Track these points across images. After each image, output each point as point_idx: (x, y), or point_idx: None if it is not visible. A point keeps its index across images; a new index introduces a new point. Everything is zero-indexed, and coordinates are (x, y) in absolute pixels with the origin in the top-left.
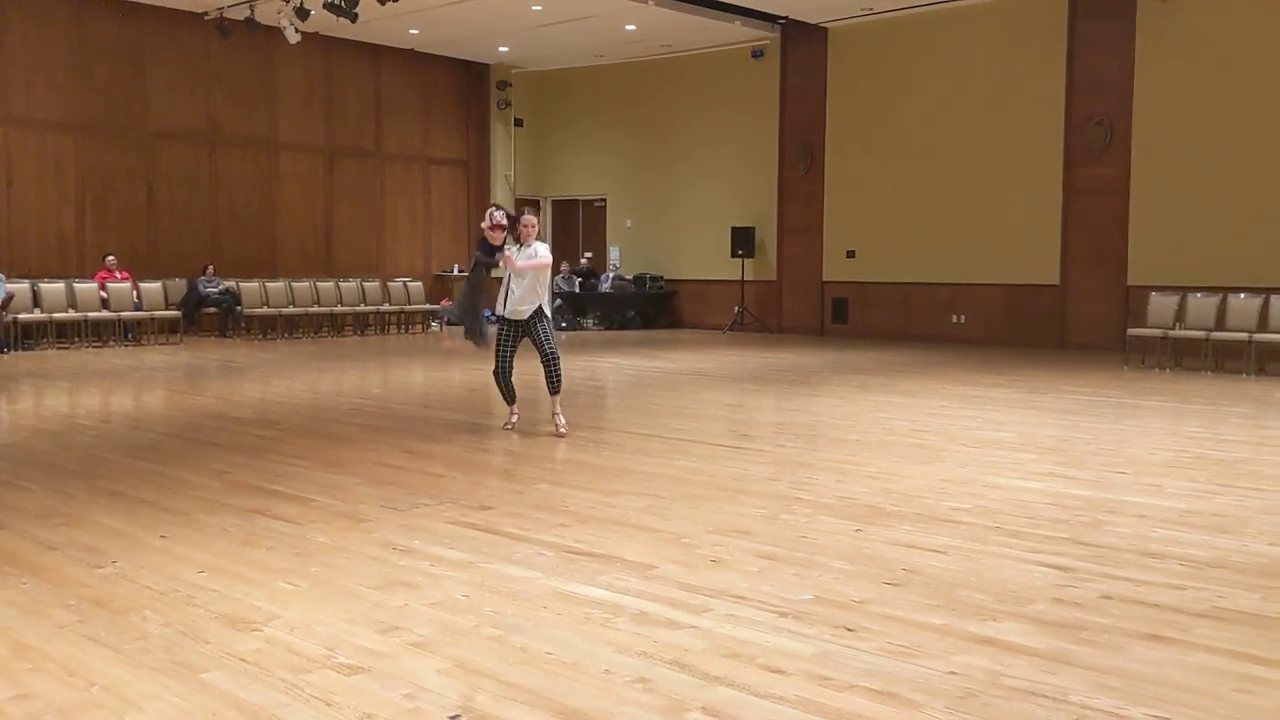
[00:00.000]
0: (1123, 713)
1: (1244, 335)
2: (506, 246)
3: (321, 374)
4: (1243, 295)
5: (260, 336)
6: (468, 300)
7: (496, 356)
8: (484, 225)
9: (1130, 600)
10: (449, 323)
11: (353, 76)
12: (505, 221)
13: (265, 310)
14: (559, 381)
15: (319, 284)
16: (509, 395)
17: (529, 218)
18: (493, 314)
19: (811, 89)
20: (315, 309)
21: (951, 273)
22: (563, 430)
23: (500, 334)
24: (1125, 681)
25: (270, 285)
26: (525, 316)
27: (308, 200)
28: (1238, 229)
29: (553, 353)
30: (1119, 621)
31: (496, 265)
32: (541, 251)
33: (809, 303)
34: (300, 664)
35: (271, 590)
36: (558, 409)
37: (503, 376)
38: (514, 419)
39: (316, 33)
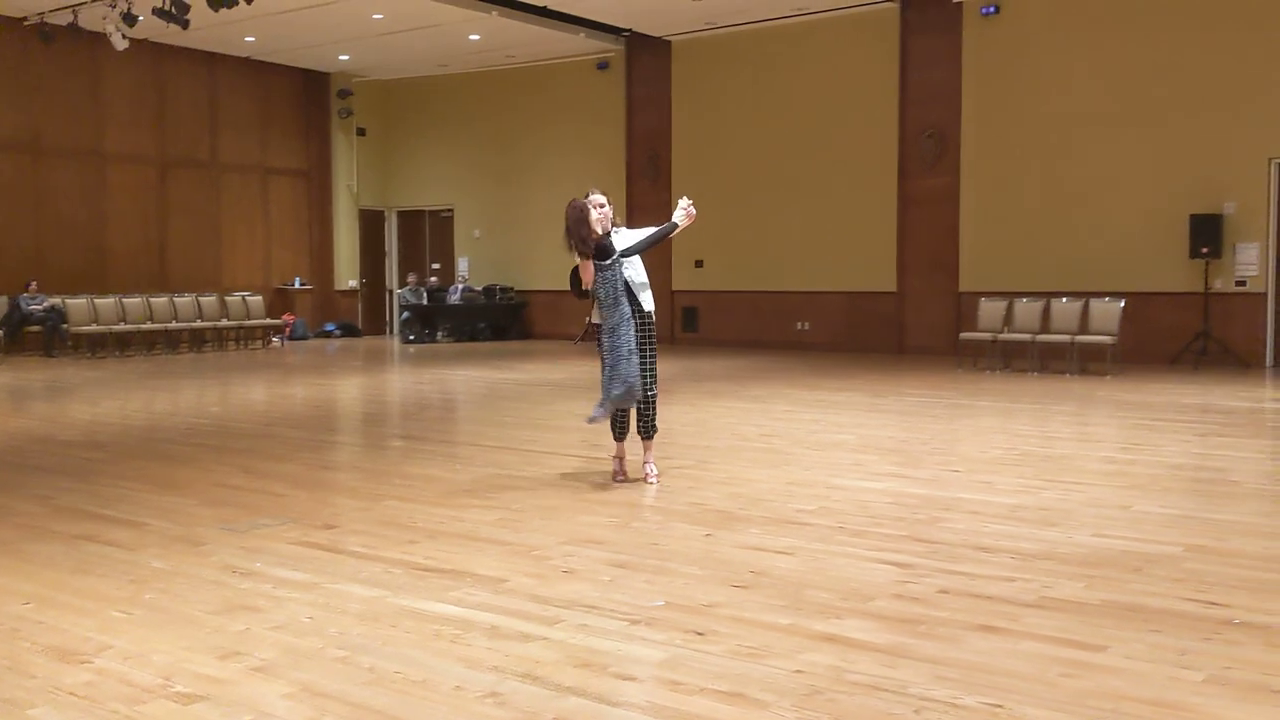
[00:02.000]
0: (959, 702)
1: (1067, 337)
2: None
3: (155, 393)
4: (1065, 299)
5: (89, 355)
6: (629, 364)
7: (638, 371)
8: (594, 217)
9: (965, 593)
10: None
11: (186, 85)
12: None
13: (94, 328)
14: (654, 422)
15: (152, 299)
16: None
17: (598, 197)
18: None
19: (657, 100)
20: (148, 325)
21: (796, 281)
22: (652, 480)
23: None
24: (961, 671)
25: (99, 301)
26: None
27: (140, 213)
28: (1060, 237)
29: (653, 392)
30: (954, 614)
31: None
32: (637, 232)
33: (659, 311)
34: (134, 695)
35: (103, 619)
36: (651, 456)
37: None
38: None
39: (146, 39)
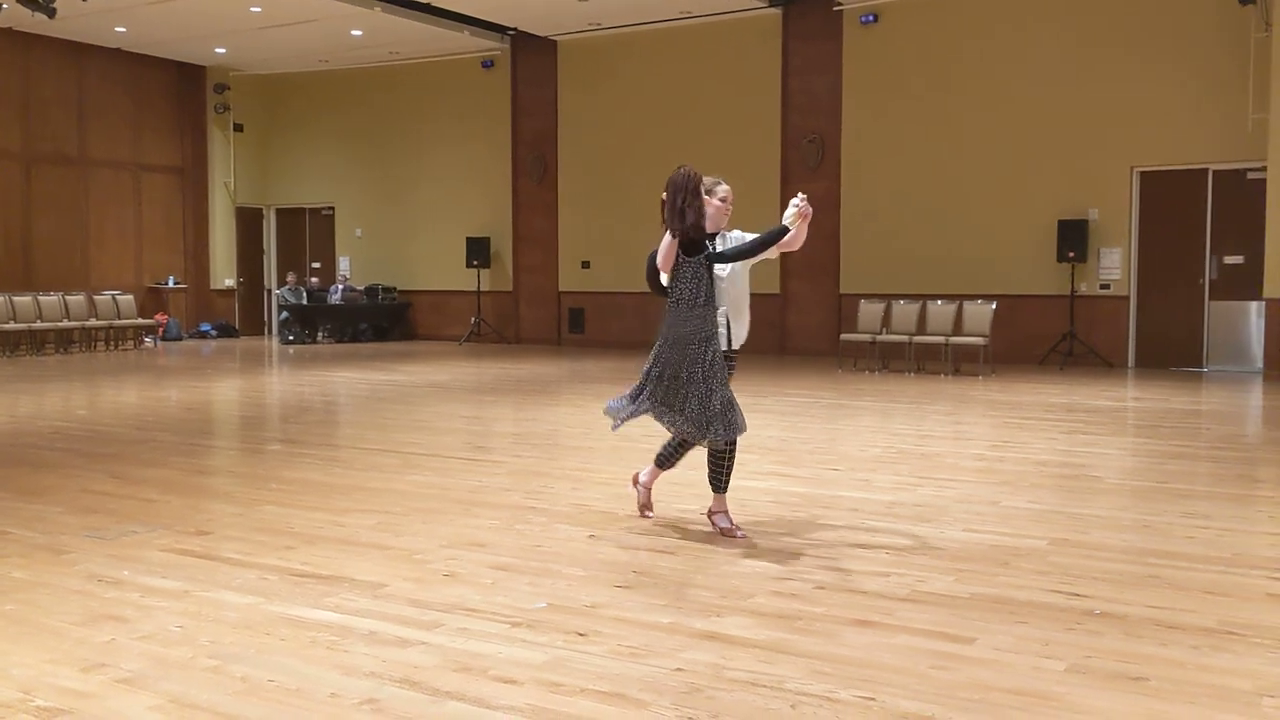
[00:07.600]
0: (834, 696)
1: (941, 339)
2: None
3: (19, 395)
4: (940, 302)
5: None
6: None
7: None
8: (716, 202)
9: (841, 589)
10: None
11: (52, 77)
12: None
13: None
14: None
15: (15, 298)
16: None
17: (725, 188)
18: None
19: (543, 100)
20: (11, 325)
21: None
22: (739, 535)
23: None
24: (836, 666)
25: None
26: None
27: (2, 210)
28: (936, 241)
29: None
30: (831, 610)
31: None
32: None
33: (546, 313)
34: None
35: None
36: (726, 508)
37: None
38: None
39: (10, 28)
